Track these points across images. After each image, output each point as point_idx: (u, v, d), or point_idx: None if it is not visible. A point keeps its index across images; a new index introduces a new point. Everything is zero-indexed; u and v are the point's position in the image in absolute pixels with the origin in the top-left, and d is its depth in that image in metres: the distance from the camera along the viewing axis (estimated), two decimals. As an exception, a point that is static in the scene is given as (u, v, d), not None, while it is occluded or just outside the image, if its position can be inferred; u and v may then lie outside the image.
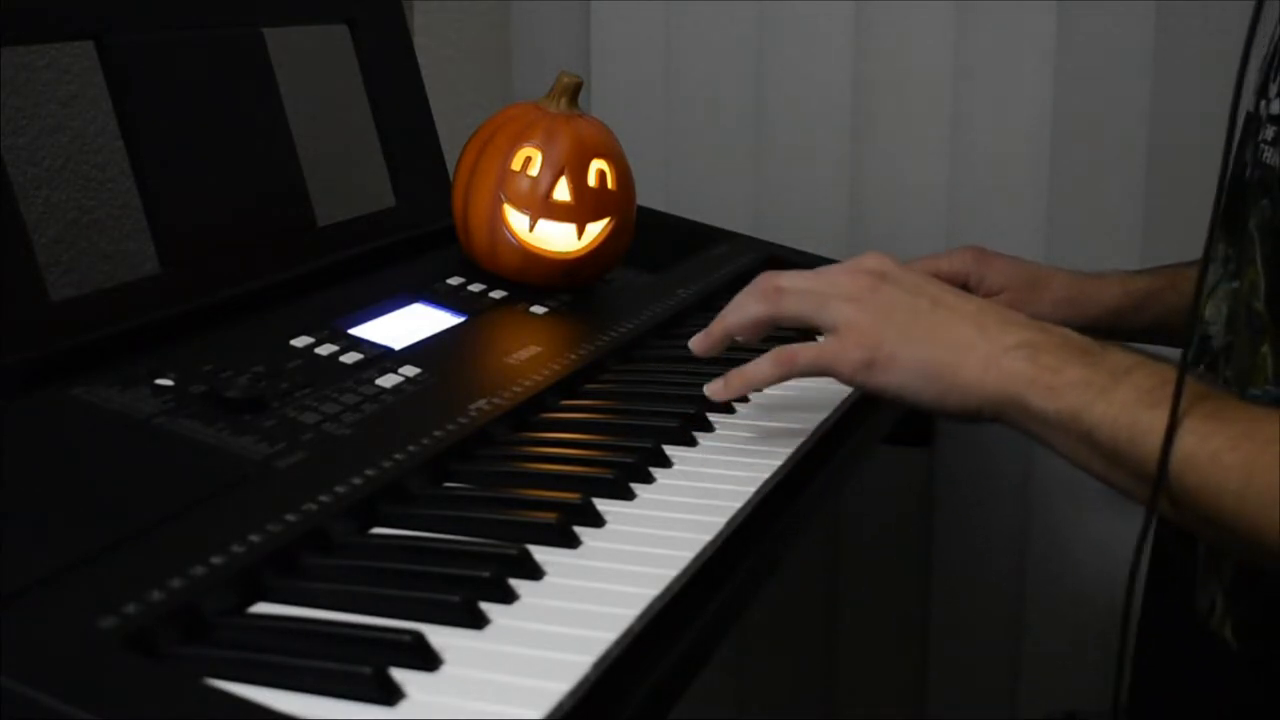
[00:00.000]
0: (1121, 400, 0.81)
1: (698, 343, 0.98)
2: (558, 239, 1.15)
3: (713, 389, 0.96)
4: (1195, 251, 0.90)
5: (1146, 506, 0.80)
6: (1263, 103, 0.95)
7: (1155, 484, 0.79)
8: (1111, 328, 1.21)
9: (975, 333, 0.87)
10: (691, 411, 0.98)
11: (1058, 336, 0.87)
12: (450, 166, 1.23)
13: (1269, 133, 0.93)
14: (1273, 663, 0.91)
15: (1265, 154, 0.93)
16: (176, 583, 0.67)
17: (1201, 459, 0.78)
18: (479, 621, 0.68)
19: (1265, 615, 0.90)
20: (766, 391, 1.06)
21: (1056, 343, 0.86)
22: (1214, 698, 0.96)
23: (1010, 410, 0.86)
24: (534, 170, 1.14)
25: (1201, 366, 0.98)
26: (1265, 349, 0.90)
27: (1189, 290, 1.06)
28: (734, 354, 1.12)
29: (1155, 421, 0.79)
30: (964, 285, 1.21)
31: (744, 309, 0.96)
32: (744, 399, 1.03)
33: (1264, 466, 0.76)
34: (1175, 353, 0.88)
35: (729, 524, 0.83)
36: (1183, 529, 0.85)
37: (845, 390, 1.07)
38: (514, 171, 1.14)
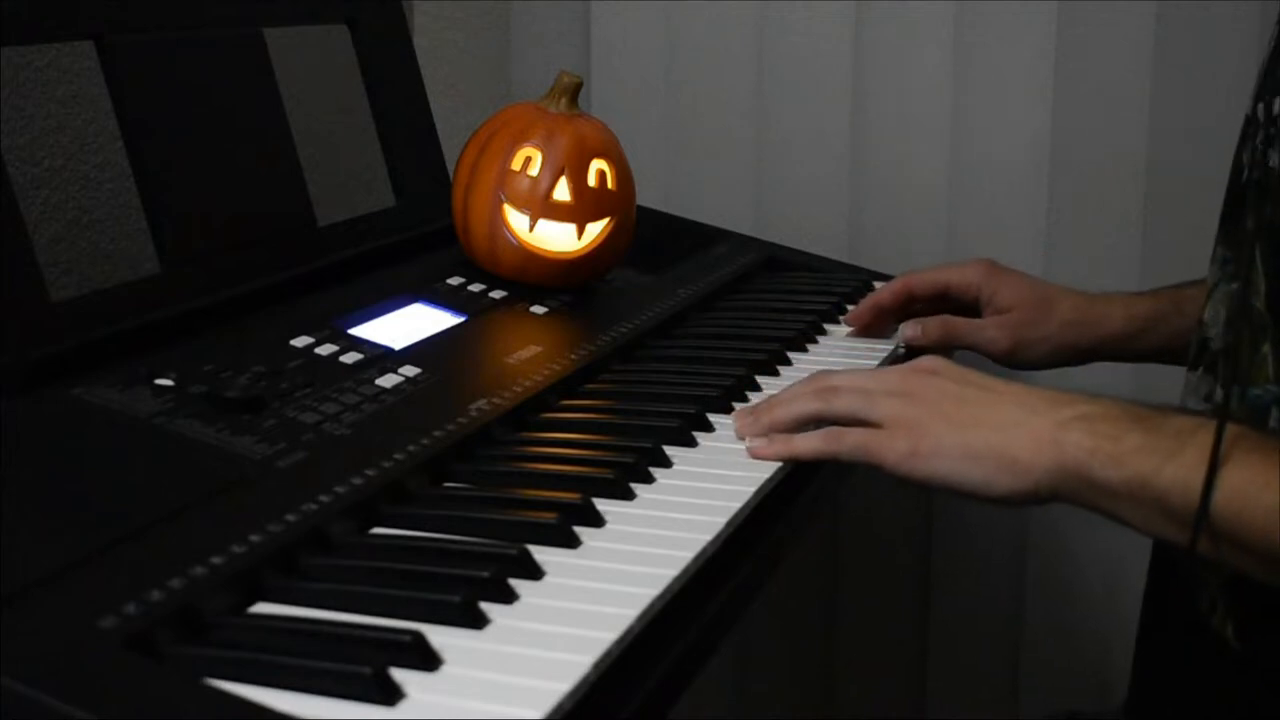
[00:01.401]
0: (1190, 462, 0.80)
1: (742, 426, 0.96)
2: (558, 239, 1.15)
3: (756, 448, 0.94)
4: (1194, 251, 0.90)
5: (1186, 551, 0.80)
6: (1260, 105, 0.95)
7: (1195, 526, 0.78)
8: (1117, 351, 1.21)
9: (1023, 412, 0.87)
10: (691, 411, 0.98)
11: (1113, 405, 0.86)
12: (450, 166, 1.23)
13: (1269, 135, 0.93)
14: (1274, 661, 0.91)
15: (1265, 156, 0.93)
16: (176, 583, 0.67)
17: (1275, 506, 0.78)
18: (479, 621, 0.68)
19: (1266, 614, 0.90)
20: (767, 391, 1.06)
21: (1113, 412, 0.85)
22: (1215, 696, 0.96)
23: (1071, 484, 0.85)
24: (534, 170, 1.14)
25: (1200, 369, 0.98)
26: (1266, 348, 0.90)
27: (1192, 312, 1.06)
28: (734, 355, 1.12)
29: (1228, 479, 0.79)
30: (974, 299, 1.22)
31: (794, 405, 0.95)
32: (744, 399, 1.03)
33: None
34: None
35: (729, 524, 0.83)
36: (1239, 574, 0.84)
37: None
38: (514, 171, 1.14)
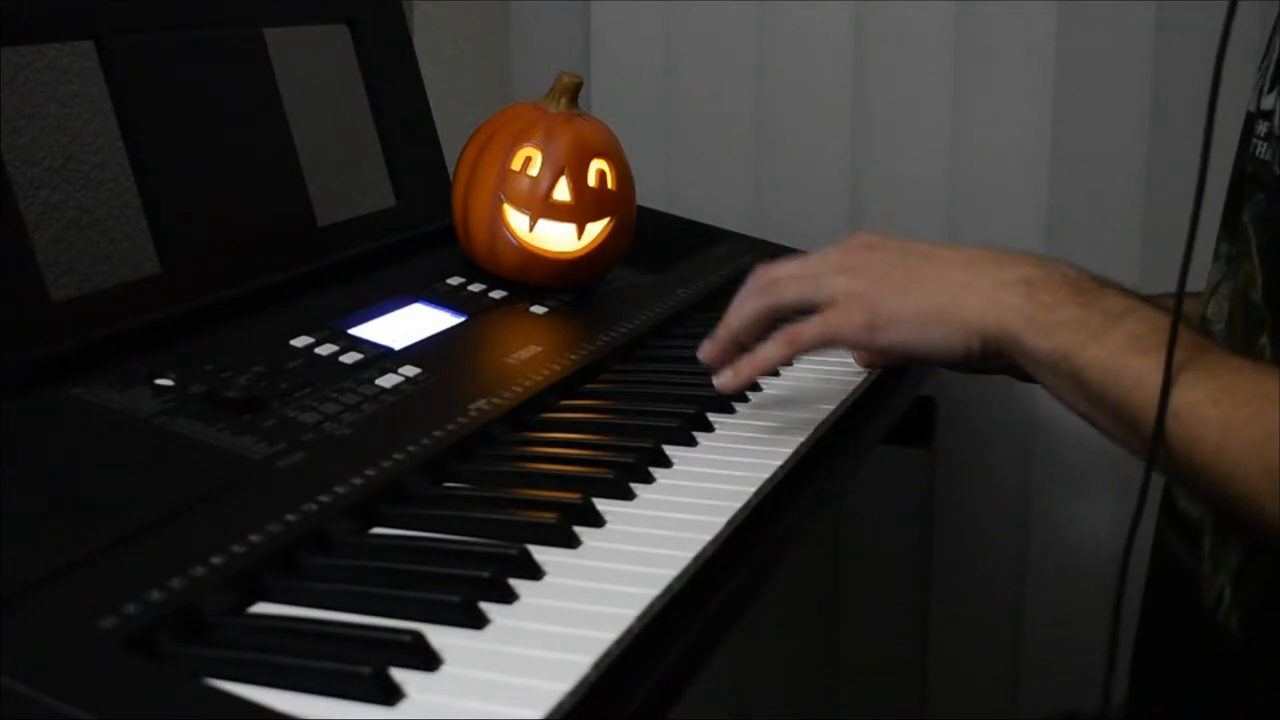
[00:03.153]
0: (1112, 344, 0.82)
1: (706, 351, 0.98)
2: (558, 239, 1.15)
3: (723, 381, 0.96)
4: (1194, 250, 0.90)
5: (1146, 462, 0.80)
6: (1259, 99, 0.95)
7: (1154, 435, 0.79)
8: None
9: (970, 273, 0.88)
10: (691, 411, 0.98)
11: (1057, 272, 0.87)
12: (450, 166, 1.23)
13: (1262, 129, 0.93)
14: (1278, 653, 0.91)
15: (1259, 149, 0.93)
16: (176, 583, 0.67)
17: (1181, 410, 0.78)
18: (479, 621, 0.68)
19: (1271, 605, 0.90)
20: (767, 390, 1.06)
21: (1055, 279, 0.86)
22: (1219, 688, 0.96)
23: (1006, 346, 0.86)
24: (534, 170, 1.14)
25: None
26: (1263, 340, 0.90)
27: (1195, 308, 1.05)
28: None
29: (1143, 368, 0.80)
30: None
31: (743, 306, 0.96)
32: (744, 398, 1.03)
33: (1241, 422, 0.77)
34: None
35: (729, 524, 0.83)
36: (1174, 481, 0.85)
37: (845, 389, 1.07)
38: (514, 171, 1.14)
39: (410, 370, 0.97)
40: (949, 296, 0.88)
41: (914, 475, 1.63)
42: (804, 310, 0.95)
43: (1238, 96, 0.87)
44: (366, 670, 0.61)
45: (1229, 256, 0.97)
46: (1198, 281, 1.04)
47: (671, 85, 1.63)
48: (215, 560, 0.69)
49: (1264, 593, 0.90)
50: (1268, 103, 0.93)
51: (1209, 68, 0.83)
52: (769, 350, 0.94)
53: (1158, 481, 0.88)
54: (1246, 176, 0.94)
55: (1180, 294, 0.81)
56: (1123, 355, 0.81)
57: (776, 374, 1.10)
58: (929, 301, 0.88)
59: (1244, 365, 0.81)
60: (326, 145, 1.31)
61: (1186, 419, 0.78)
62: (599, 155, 1.16)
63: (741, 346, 0.97)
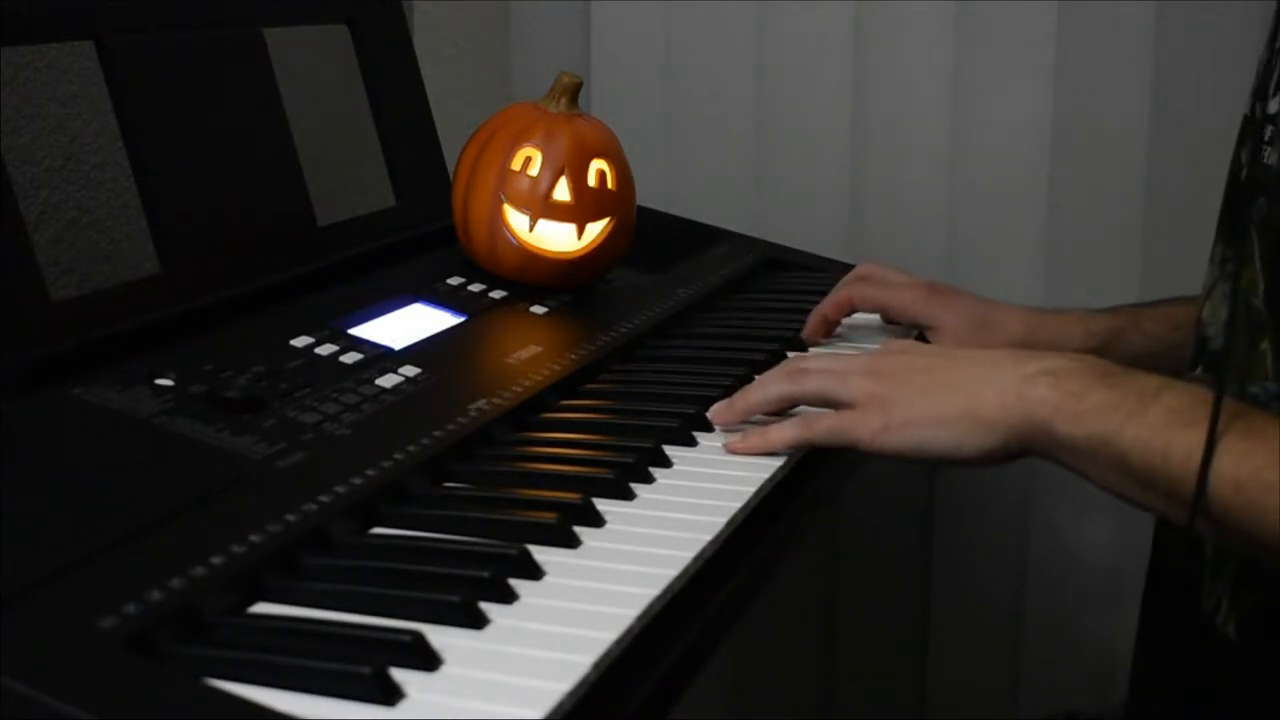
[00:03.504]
0: (1153, 423, 0.81)
1: (719, 414, 0.98)
2: (558, 239, 1.15)
3: (732, 444, 0.95)
4: (1194, 250, 0.90)
5: (1185, 529, 0.80)
6: (1258, 105, 0.95)
7: (1193, 505, 0.78)
8: None
9: (988, 370, 0.87)
10: (691, 411, 0.98)
11: (1079, 361, 0.86)
12: (450, 166, 1.23)
13: (1266, 133, 0.93)
14: (1276, 658, 0.91)
15: (1265, 154, 0.93)
16: (176, 583, 0.67)
17: (1243, 479, 0.78)
18: (479, 621, 0.68)
19: (1269, 611, 0.90)
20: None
21: (1079, 368, 0.86)
22: (1217, 694, 0.96)
23: (1038, 439, 0.85)
24: (534, 170, 1.14)
25: (1199, 368, 0.98)
26: (1265, 346, 0.90)
27: (1152, 330, 1.05)
28: (734, 355, 1.12)
29: (1191, 441, 0.78)
30: (910, 320, 1.18)
31: (768, 388, 0.96)
32: (744, 399, 1.03)
33: None
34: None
35: (729, 524, 0.83)
36: (1226, 549, 0.84)
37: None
38: (514, 171, 1.14)
39: (410, 370, 0.97)
40: (968, 396, 0.87)
41: (914, 475, 1.63)
42: (825, 404, 0.95)
43: (1235, 98, 0.87)
44: (366, 670, 0.61)
45: (1223, 259, 0.97)
46: (1187, 251, 1.04)
47: (671, 85, 1.63)
48: (215, 560, 0.69)
49: (1262, 601, 0.90)
50: (1274, 106, 0.93)
51: (1209, 68, 0.83)
52: (783, 433, 0.93)
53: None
54: (1247, 181, 0.94)
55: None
56: (1166, 431, 0.80)
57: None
58: (947, 402, 0.88)
59: None
60: (326, 145, 1.31)
61: (1250, 488, 0.77)
62: (599, 155, 1.16)
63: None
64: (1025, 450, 0.87)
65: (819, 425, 0.92)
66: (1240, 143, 0.97)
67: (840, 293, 1.19)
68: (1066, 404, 0.84)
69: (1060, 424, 0.84)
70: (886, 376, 0.91)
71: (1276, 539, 0.77)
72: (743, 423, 0.97)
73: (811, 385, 0.94)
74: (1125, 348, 1.14)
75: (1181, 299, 1.13)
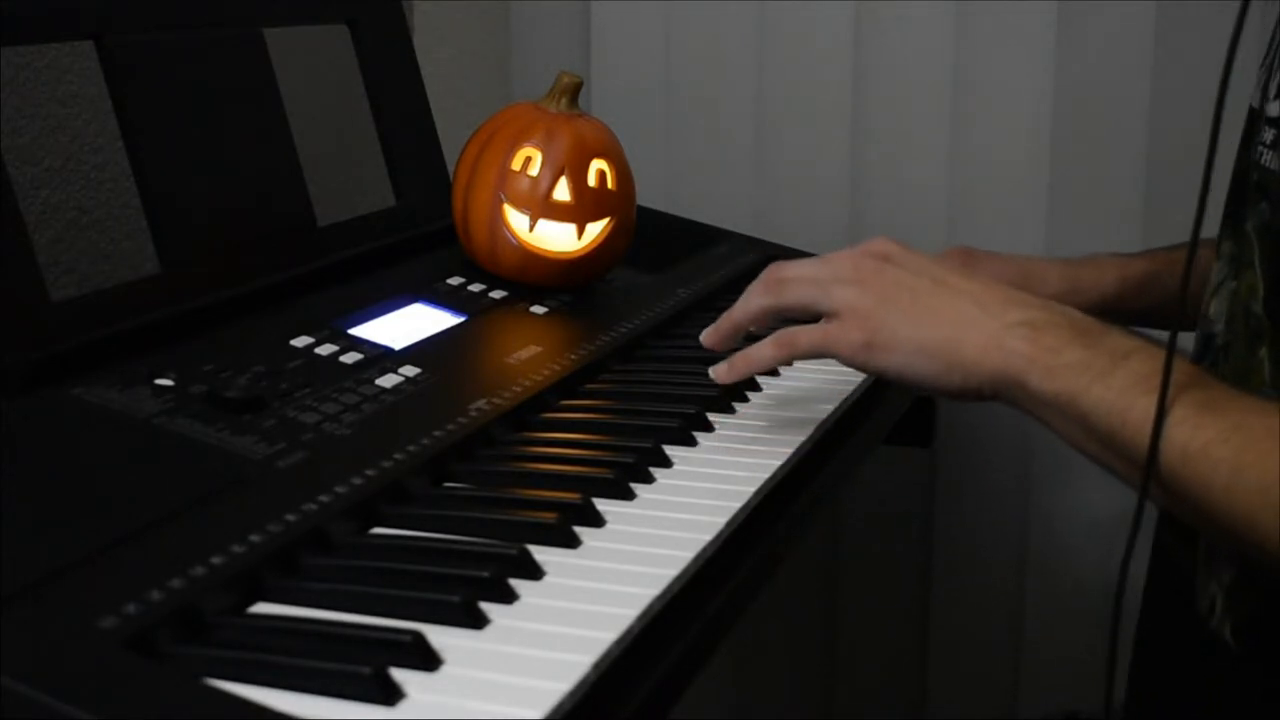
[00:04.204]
0: (1118, 385, 0.81)
1: (707, 336, 0.99)
2: (558, 239, 1.15)
3: (718, 371, 0.96)
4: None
5: (1139, 495, 0.80)
6: (1263, 103, 0.95)
7: (1145, 473, 0.79)
8: (1111, 314, 1.20)
9: (977, 310, 0.87)
10: (691, 411, 0.98)
11: (1060, 316, 0.86)
12: (450, 166, 1.23)
13: (1268, 135, 0.93)
14: (1272, 663, 0.91)
15: (1264, 157, 0.93)
16: (176, 583, 0.67)
17: (1193, 450, 0.78)
18: (479, 621, 0.68)
19: (1265, 616, 0.90)
20: (767, 390, 1.06)
21: (1059, 322, 0.86)
22: (1213, 698, 0.96)
23: (1010, 389, 0.86)
24: (534, 170, 1.14)
25: (1204, 364, 0.98)
26: (1263, 352, 0.90)
27: (1199, 277, 1.04)
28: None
29: (1149, 408, 0.79)
30: None
31: (749, 301, 0.96)
32: (744, 398, 1.03)
33: (1253, 461, 0.76)
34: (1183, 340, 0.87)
35: (729, 524, 0.83)
36: (1180, 520, 0.85)
37: (845, 389, 1.07)
38: (514, 171, 1.14)
39: (410, 370, 0.97)
40: (953, 332, 0.87)
41: (914, 475, 1.63)
42: (807, 315, 0.95)
43: (1235, 97, 0.86)
44: (366, 670, 0.61)
45: (1232, 257, 0.96)
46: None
47: (671, 85, 1.63)
48: (215, 560, 0.69)
49: (1257, 603, 0.90)
50: (1273, 109, 0.92)
51: (1209, 67, 0.83)
52: (764, 350, 0.94)
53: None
54: (1251, 183, 0.94)
55: (1174, 328, 0.81)
56: (1128, 395, 0.80)
57: (776, 373, 1.10)
58: (932, 333, 0.87)
59: (1253, 404, 0.80)
60: (326, 145, 1.31)
61: (1199, 460, 0.78)
62: (599, 155, 1.16)
63: (744, 337, 0.98)
64: (996, 397, 0.87)
65: (800, 341, 0.92)
66: (1245, 138, 0.97)
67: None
68: (1041, 358, 0.84)
69: (1033, 378, 0.84)
70: (871, 288, 0.90)
71: (1220, 514, 0.77)
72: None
73: (792, 296, 0.94)
74: (1159, 291, 1.15)
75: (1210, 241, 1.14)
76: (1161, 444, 0.78)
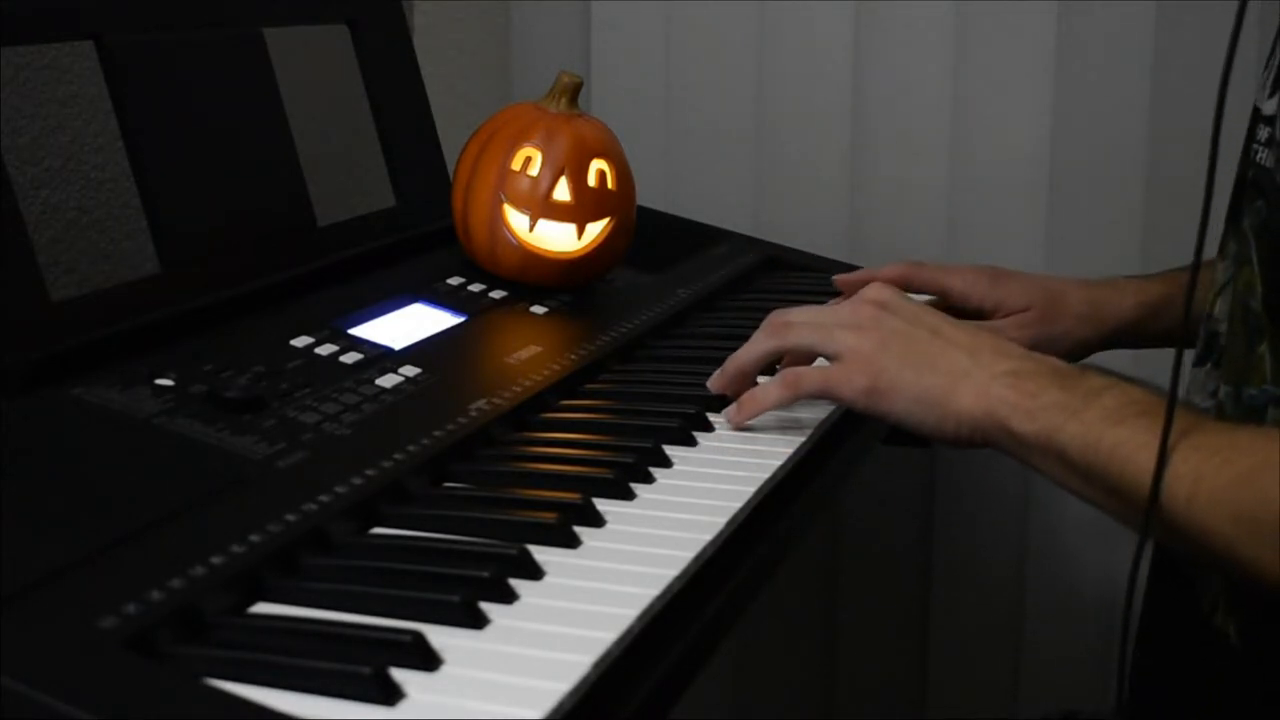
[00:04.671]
0: (1090, 419, 0.84)
1: (714, 381, 1.01)
2: (558, 239, 1.15)
3: (728, 414, 0.98)
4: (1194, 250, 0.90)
5: (1140, 531, 0.82)
6: (1266, 102, 0.95)
7: (1149, 505, 0.80)
8: (1129, 338, 1.21)
9: (969, 361, 0.91)
10: (691, 411, 0.98)
11: (1043, 364, 0.90)
12: (450, 166, 1.23)
13: (1263, 133, 0.93)
14: (1276, 661, 0.91)
15: (1259, 154, 0.93)
16: (176, 583, 0.67)
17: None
18: (479, 621, 0.68)
19: (1268, 613, 0.90)
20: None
21: (1041, 370, 0.89)
22: (1217, 696, 0.96)
23: (996, 434, 0.89)
24: (534, 170, 1.14)
25: (1209, 364, 0.98)
26: (1263, 349, 0.90)
27: (1202, 297, 1.05)
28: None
29: (1120, 438, 0.82)
30: (975, 306, 1.21)
31: (754, 345, 1.00)
32: (744, 399, 1.04)
33: (1210, 471, 0.78)
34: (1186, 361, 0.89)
35: (729, 524, 0.83)
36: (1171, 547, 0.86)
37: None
38: (514, 171, 1.14)
39: (410, 370, 0.97)
40: (947, 382, 0.90)
41: (914, 475, 1.63)
42: (810, 358, 1.00)
43: (1235, 97, 0.87)
44: (366, 670, 0.61)
45: (1236, 256, 0.97)
46: (1187, 252, 1.04)
47: (671, 85, 1.63)
48: (215, 560, 0.69)
49: (1259, 602, 0.90)
50: (1269, 108, 0.93)
51: (1209, 67, 0.83)
52: (771, 391, 0.97)
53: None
54: (1249, 182, 0.94)
55: (1179, 355, 0.82)
56: (1099, 428, 0.84)
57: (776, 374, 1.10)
58: (928, 383, 0.91)
59: (1215, 424, 0.84)
60: (326, 145, 1.31)
61: (1162, 479, 0.80)
62: (599, 155, 1.16)
63: (749, 380, 1.00)
64: (984, 443, 0.91)
65: (805, 382, 0.95)
66: (1248, 137, 0.97)
67: (897, 268, 1.20)
68: (1022, 403, 0.87)
69: (1015, 421, 0.87)
70: (871, 334, 0.93)
71: (1186, 527, 0.79)
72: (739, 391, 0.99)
73: (795, 339, 0.98)
74: (1176, 313, 1.15)
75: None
76: (1140, 476, 0.81)
